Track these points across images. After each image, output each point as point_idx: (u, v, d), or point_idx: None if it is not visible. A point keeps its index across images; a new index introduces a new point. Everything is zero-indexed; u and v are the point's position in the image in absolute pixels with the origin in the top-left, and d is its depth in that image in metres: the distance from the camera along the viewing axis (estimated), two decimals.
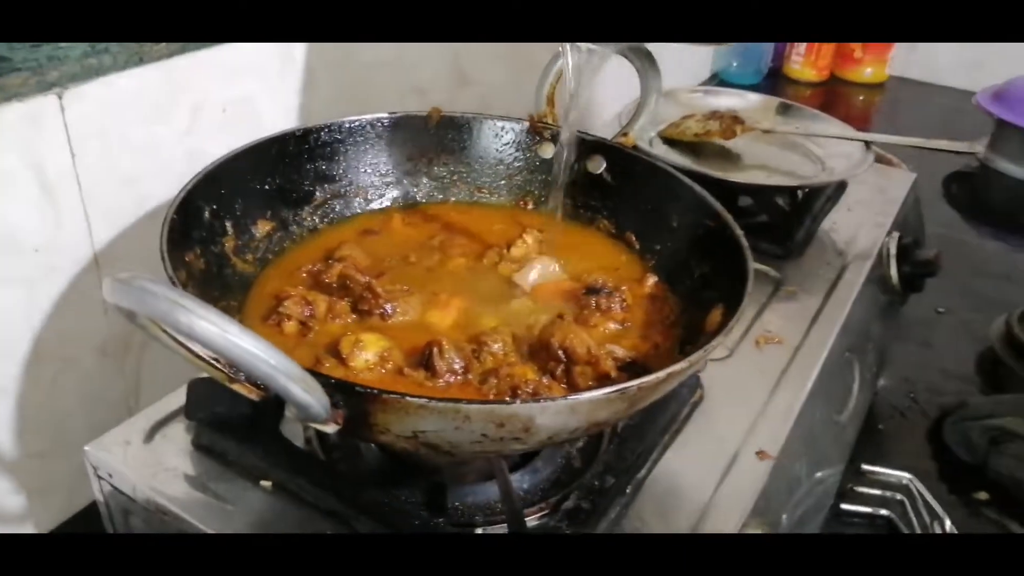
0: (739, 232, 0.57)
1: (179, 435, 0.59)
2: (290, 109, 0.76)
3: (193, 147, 0.68)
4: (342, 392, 0.42)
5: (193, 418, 0.58)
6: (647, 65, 0.69)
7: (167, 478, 0.56)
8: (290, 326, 0.55)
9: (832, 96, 1.68)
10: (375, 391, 0.41)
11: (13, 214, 0.57)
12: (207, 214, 0.58)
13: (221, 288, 0.57)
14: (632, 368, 0.53)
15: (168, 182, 0.65)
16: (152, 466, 0.56)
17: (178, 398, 0.60)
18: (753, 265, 0.53)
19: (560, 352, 0.52)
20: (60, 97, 0.58)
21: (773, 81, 1.69)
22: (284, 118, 0.75)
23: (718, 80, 1.66)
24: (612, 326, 0.58)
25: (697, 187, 0.62)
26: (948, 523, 0.67)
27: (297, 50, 0.75)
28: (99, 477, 0.58)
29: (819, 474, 0.69)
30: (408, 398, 0.40)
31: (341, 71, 0.80)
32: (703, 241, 0.60)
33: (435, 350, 0.51)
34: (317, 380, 0.40)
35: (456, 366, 0.51)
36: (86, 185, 0.61)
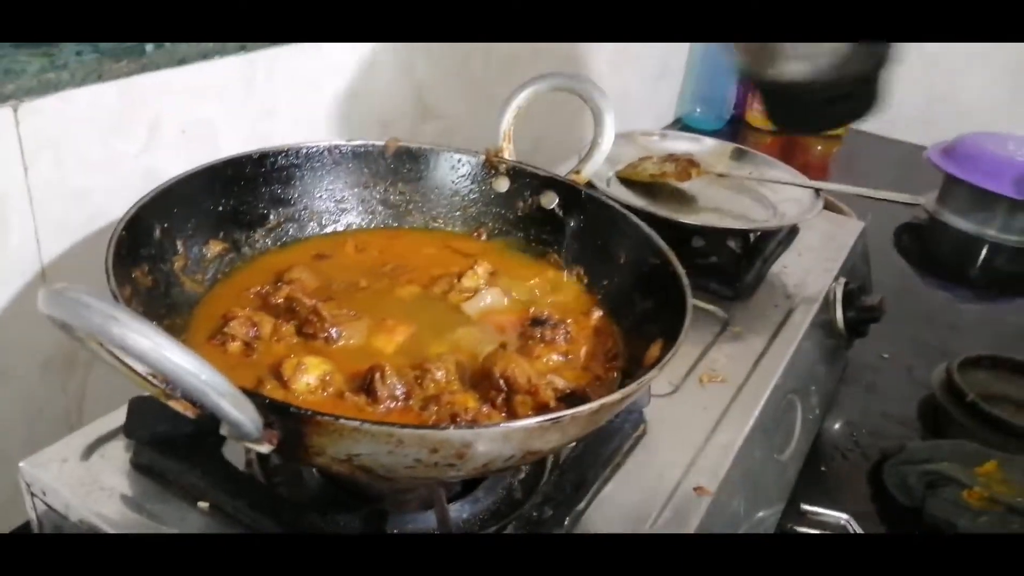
0: (680, 270, 0.58)
1: (118, 454, 0.58)
2: (250, 134, 0.77)
3: (149, 166, 0.68)
4: (276, 412, 0.42)
5: (133, 437, 0.58)
6: (601, 106, 0.71)
7: (102, 497, 0.55)
8: (234, 346, 0.55)
9: (790, 145, 1.73)
10: (308, 412, 0.41)
11: None
12: (158, 232, 0.58)
13: (168, 306, 0.57)
14: (572, 399, 0.54)
15: (122, 199, 0.64)
16: (88, 485, 0.55)
17: (119, 416, 0.60)
18: (693, 302, 0.55)
19: (501, 381, 0.52)
20: (15, 110, 0.58)
21: (735, 128, 1.73)
22: (243, 143, 0.75)
23: (681, 125, 1.70)
24: (555, 357, 0.59)
25: (643, 225, 0.64)
26: None
27: (260, 75, 0.75)
28: (32, 495, 0.57)
29: (759, 513, 0.70)
30: (341, 421, 0.41)
31: (303, 100, 0.81)
32: (647, 277, 0.62)
33: (377, 375, 0.51)
34: (250, 399, 0.40)
35: (397, 392, 0.52)
36: (37, 199, 0.61)
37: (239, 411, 0.39)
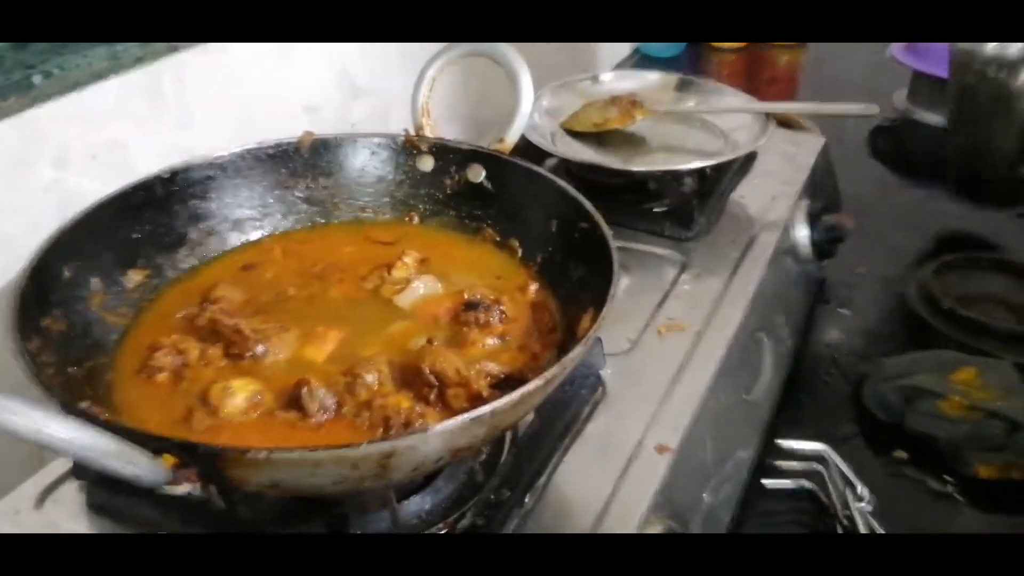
0: (607, 231, 0.56)
1: (71, 496, 0.58)
2: (168, 148, 0.74)
3: (63, 198, 0.66)
4: (185, 452, 0.41)
5: (82, 477, 0.58)
6: (516, 68, 0.69)
7: None
8: (162, 377, 0.54)
9: (754, 61, 1.68)
10: (216, 449, 0.40)
11: None
12: (67, 272, 0.56)
13: (88, 347, 0.55)
14: (508, 383, 0.53)
15: (42, 237, 0.63)
16: (44, 531, 0.55)
17: (66, 460, 0.59)
18: (617, 269, 0.53)
19: (431, 377, 0.51)
20: None
21: (695, 51, 1.68)
22: (160, 159, 0.72)
23: (639, 55, 1.65)
24: (491, 341, 0.57)
25: (571, 189, 0.62)
26: (860, 488, 0.67)
27: (167, 86, 0.73)
28: None
29: (731, 459, 0.69)
30: (249, 454, 0.40)
31: (220, 103, 0.79)
32: (578, 243, 0.60)
33: (304, 390, 0.50)
34: (153, 444, 0.39)
35: (328, 403, 0.51)
36: None
37: (133, 465, 0.38)
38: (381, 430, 0.49)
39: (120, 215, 0.61)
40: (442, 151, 0.70)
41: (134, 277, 0.61)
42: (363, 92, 0.96)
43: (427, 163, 0.71)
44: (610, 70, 1.09)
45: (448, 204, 0.71)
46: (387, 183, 0.72)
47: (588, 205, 0.59)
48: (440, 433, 0.42)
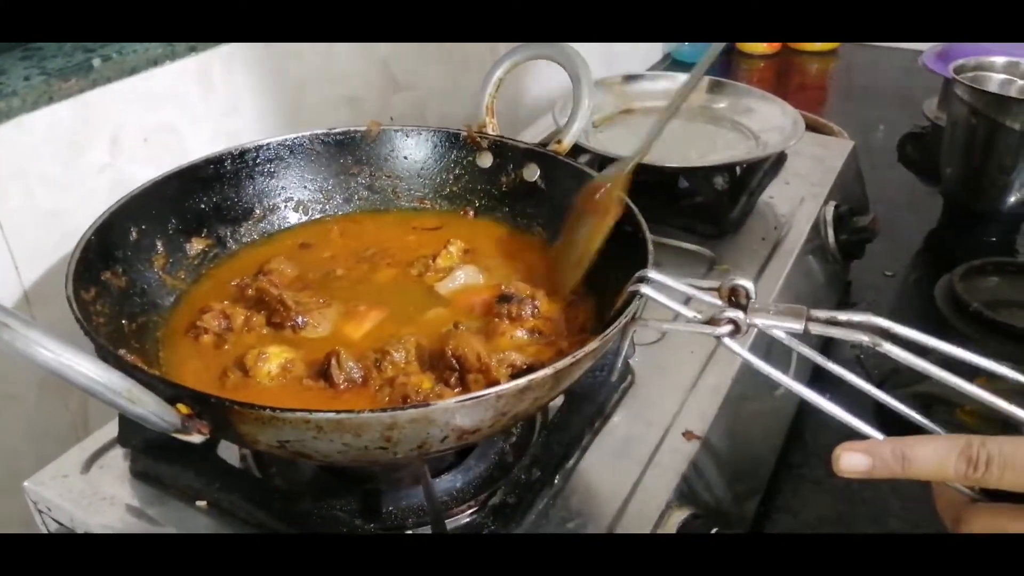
0: (648, 237, 0.57)
1: (116, 464, 0.60)
2: (216, 133, 0.77)
3: (116, 178, 0.69)
4: (198, 402, 0.43)
5: (127, 445, 0.60)
6: (581, 73, 0.69)
7: (104, 507, 0.57)
8: (206, 339, 0.57)
9: (784, 67, 1.68)
10: (226, 402, 0.43)
11: None
12: (135, 233, 0.60)
13: (143, 304, 0.59)
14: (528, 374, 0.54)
15: (92, 215, 0.66)
16: (90, 496, 0.58)
17: (115, 428, 0.61)
18: (673, 243, 0.53)
19: (452, 360, 0.53)
20: None
21: (726, 57, 1.69)
22: (210, 142, 0.76)
23: (671, 60, 1.67)
24: (520, 334, 0.58)
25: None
26: None
27: (217, 74, 0.76)
28: (40, 512, 0.59)
29: (759, 448, 0.71)
30: (257, 409, 0.42)
31: (266, 90, 0.81)
32: (621, 246, 0.60)
33: (333, 360, 0.52)
34: (168, 391, 0.42)
35: (355, 375, 0.52)
36: (8, 226, 0.63)
37: (140, 407, 0.40)
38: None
39: (188, 186, 0.64)
40: (501, 149, 0.72)
41: (196, 245, 0.64)
42: (403, 87, 0.98)
43: (486, 160, 0.72)
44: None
45: (502, 201, 0.72)
46: (446, 176, 0.73)
47: (634, 209, 0.60)
48: (441, 410, 0.43)
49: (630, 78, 1.04)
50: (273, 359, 0.53)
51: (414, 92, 1.00)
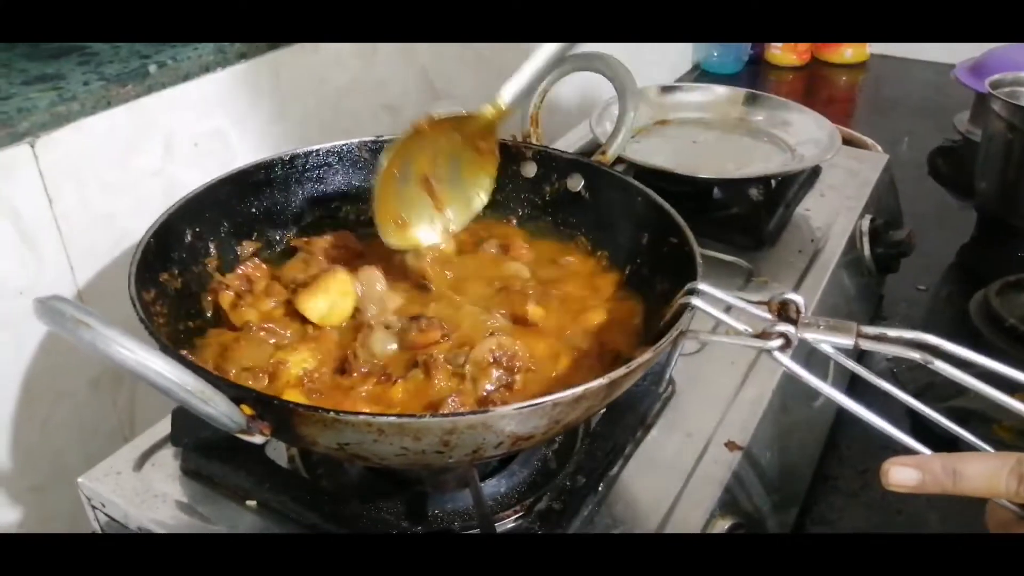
0: (696, 248, 0.57)
1: (167, 462, 0.61)
2: (263, 137, 0.78)
3: (167, 183, 0.70)
4: (261, 404, 0.44)
5: (179, 444, 0.61)
6: (627, 85, 0.70)
7: (156, 504, 0.58)
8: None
9: (814, 79, 1.69)
10: (290, 404, 0.44)
11: None
12: (189, 236, 0.61)
13: (197, 306, 0.60)
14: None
15: (145, 217, 0.67)
16: (142, 493, 0.59)
17: (166, 426, 0.63)
18: (713, 254, 0.54)
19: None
20: (32, 146, 0.60)
21: (754, 69, 1.70)
22: (257, 147, 0.77)
23: (699, 71, 1.67)
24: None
25: (665, 204, 0.63)
26: None
27: (265, 81, 0.77)
28: (94, 507, 0.60)
29: (799, 459, 0.71)
30: (320, 412, 0.43)
31: (310, 97, 0.82)
32: (667, 258, 0.61)
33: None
34: (233, 392, 0.43)
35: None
36: (64, 227, 0.64)
37: (212, 407, 0.41)
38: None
39: (241, 190, 0.66)
40: (546, 158, 0.73)
41: (247, 248, 0.66)
42: (440, 95, 0.99)
43: (530, 169, 0.73)
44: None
45: (545, 210, 0.73)
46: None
47: (680, 221, 0.61)
48: (499, 416, 0.44)
49: (666, 89, 1.05)
50: (294, 367, 0.54)
51: (452, 100, 1.01)
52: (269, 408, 0.45)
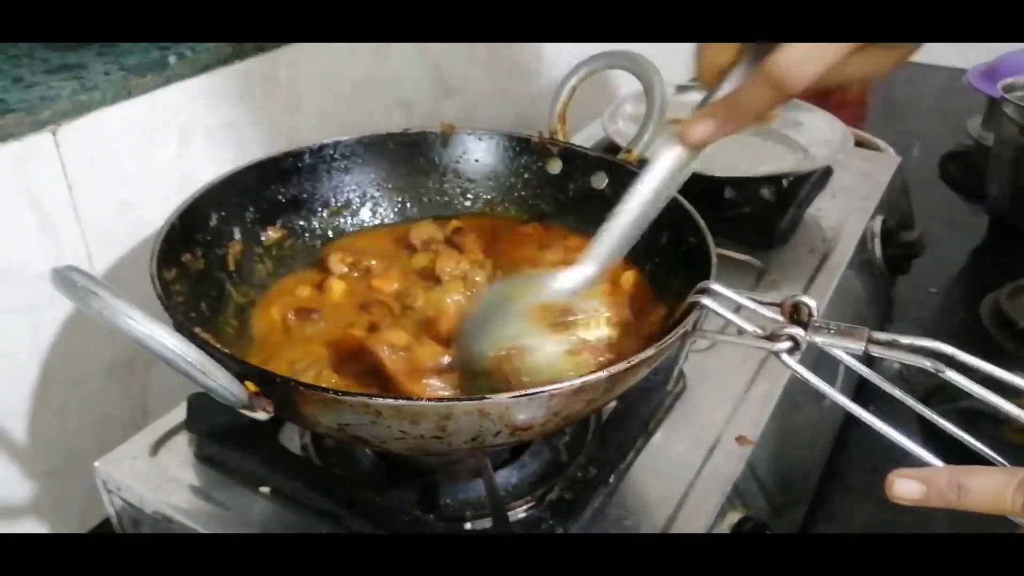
0: (712, 249, 0.57)
1: (182, 448, 0.62)
2: (277, 131, 0.79)
3: (184, 172, 0.71)
4: (264, 381, 0.45)
5: (194, 431, 0.61)
6: (655, 84, 0.70)
7: (172, 489, 0.59)
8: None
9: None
10: (291, 382, 0.44)
11: (15, 247, 0.61)
12: (215, 219, 0.62)
13: (219, 288, 0.61)
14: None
15: (161, 207, 0.67)
16: (157, 478, 0.59)
17: (180, 413, 0.63)
18: (726, 252, 0.54)
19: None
20: (54, 134, 0.61)
21: None
22: (271, 141, 0.78)
23: None
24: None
25: (686, 203, 0.63)
26: None
27: (282, 73, 0.78)
28: (109, 491, 0.61)
29: (808, 456, 0.71)
30: (320, 391, 0.44)
31: (325, 91, 0.83)
32: (684, 257, 0.61)
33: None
34: (237, 368, 0.44)
35: None
36: (84, 215, 0.65)
37: (211, 379, 0.42)
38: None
39: (269, 176, 0.67)
40: (571, 156, 0.73)
41: (272, 234, 0.67)
42: (453, 91, 0.99)
43: (556, 166, 0.73)
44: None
45: (569, 207, 0.73)
46: (515, 181, 0.74)
47: (700, 221, 0.61)
48: (495, 404, 0.44)
49: (682, 89, 1.05)
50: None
51: (464, 96, 1.01)
52: (272, 385, 0.45)
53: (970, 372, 0.49)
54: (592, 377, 0.46)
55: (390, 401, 0.43)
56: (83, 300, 0.39)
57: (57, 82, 0.62)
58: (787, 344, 0.49)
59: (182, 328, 0.48)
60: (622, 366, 0.47)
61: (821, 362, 0.77)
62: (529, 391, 0.44)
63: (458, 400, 0.44)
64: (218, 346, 0.48)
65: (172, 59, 0.67)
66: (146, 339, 0.40)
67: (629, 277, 0.67)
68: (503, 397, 0.44)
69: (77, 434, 0.69)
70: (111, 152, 0.66)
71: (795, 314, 0.51)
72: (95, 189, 0.65)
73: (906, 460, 0.47)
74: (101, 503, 0.62)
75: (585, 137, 1.04)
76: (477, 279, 0.64)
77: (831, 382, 0.78)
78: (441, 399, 0.48)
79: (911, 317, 1.00)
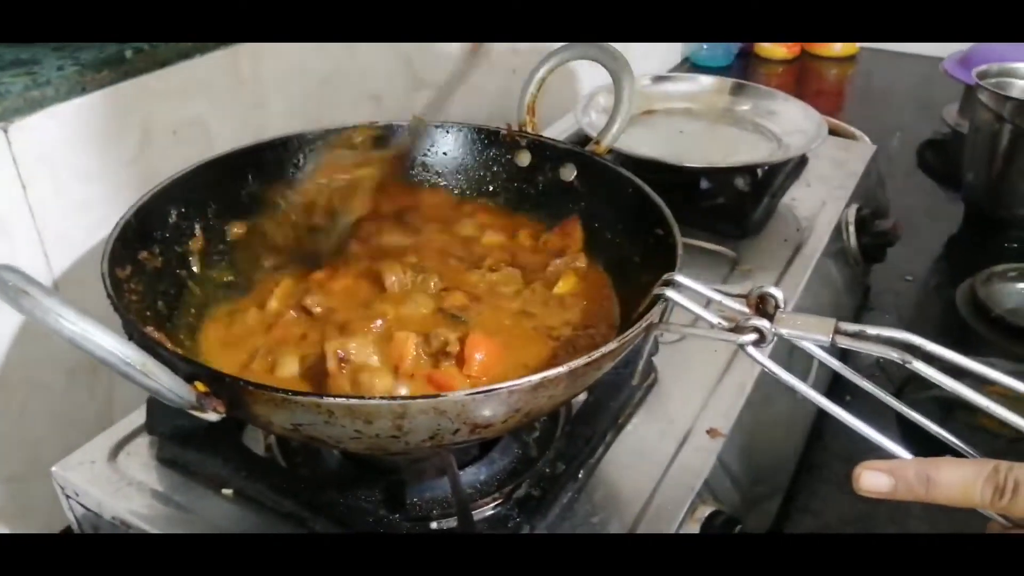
0: (679, 241, 0.56)
1: (143, 450, 0.61)
2: (244, 126, 0.77)
3: (144, 170, 0.69)
4: (213, 381, 0.44)
5: (154, 433, 0.60)
6: (623, 76, 0.69)
7: (131, 493, 0.57)
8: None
9: (803, 72, 1.68)
10: (240, 382, 0.43)
11: None
12: (174, 216, 0.61)
13: (178, 286, 0.60)
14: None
15: (123, 205, 0.66)
16: (116, 483, 0.58)
17: (141, 415, 0.62)
18: (694, 242, 0.53)
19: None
20: (5, 131, 0.60)
21: (744, 61, 1.70)
22: (236, 136, 0.76)
23: (689, 64, 1.67)
24: None
25: (654, 195, 0.62)
26: None
27: (246, 68, 0.76)
28: (68, 497, 0.60)
29: (781, 449, 0.70)
30: (269, 391, 0.42)
31: (291, 85, 0.82)
32: (651, 248, 0.61)
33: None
34: (187, 369, 0.43)
35: None
36: (39, 215, 0.63)
37: (153, 381, 0.41)
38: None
39: (231, 172, 0.66)
40: (539, 148, 0.72)
41: (235, 230, 0.65)
42: (424, 84, 0.98)
43: (524, 158, 0.73)
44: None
45: (538, 200, 0.72)
46: (483, 173, 0.74)
47: (667, 213, 0.60)
48: (451, 402, 0.43)
49: (657, 79, 1.05)
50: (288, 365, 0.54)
51: (435, 89, 1.00)
52: (222, 385, 0.44)
53: (939, 362, 0.48)
54: (552, 372, 0.45)
55: (341, 400, 0.42)
56: (13, 299, 0.37)
57: (8, 78, 0.61)
58: (752, 336, 0.49)
59: (131, 328, 0.47)
60: (583, 360, 0.46)
61: (795, 352, 0.76)
62: (485, 388, 0.43)
63: (412, 399, 0.43)
64: (168, 345, 0.47)
65: (129, 53, 0.66)
66: (79, 339, 0.38)
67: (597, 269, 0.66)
68: (459, 395, 0.43)
69: (39, 439, 0.67)
70: (67, 150, 0.64)
71: (761, 305, 0.50)
72: (51, 188, 0.64)
73: (882, 451, 0.47)
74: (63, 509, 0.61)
75: (559, 131, 1.03)
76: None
77: (807, 372, 0.78)
78: (394, 397, 0.47)
79: (887, 305, 1.00)
